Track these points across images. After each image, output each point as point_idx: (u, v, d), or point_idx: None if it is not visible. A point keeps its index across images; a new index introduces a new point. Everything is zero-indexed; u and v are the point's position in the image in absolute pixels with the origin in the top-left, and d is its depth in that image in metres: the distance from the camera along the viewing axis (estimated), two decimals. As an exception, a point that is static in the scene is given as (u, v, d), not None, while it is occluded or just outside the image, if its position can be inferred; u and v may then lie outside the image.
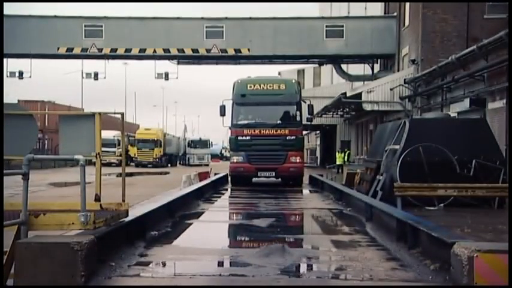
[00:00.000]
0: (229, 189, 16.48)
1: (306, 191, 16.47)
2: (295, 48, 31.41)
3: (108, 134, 43.32)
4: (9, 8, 32.20)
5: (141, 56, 32.80)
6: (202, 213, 10.82)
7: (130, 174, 31.33)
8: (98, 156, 6.07)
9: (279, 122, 16.78)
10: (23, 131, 6.05)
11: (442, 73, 21.79)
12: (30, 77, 33.52)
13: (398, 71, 29.02)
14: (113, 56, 32.79)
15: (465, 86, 19.63)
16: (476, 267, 4.55)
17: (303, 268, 5.90)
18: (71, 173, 31.20)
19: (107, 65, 35.40)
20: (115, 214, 6.04)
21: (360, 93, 27.11)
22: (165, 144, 52.59)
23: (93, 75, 36.67)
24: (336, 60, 32.98)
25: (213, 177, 18.63)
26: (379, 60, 33.66)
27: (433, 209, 12.06)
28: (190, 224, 9.21)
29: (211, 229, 9.48)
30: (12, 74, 33.05)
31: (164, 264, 6.00)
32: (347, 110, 35.19)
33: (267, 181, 17.77)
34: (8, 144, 5.80)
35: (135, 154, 50.35)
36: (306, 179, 18.69)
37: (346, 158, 36.48)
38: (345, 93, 28.10)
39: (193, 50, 31.83)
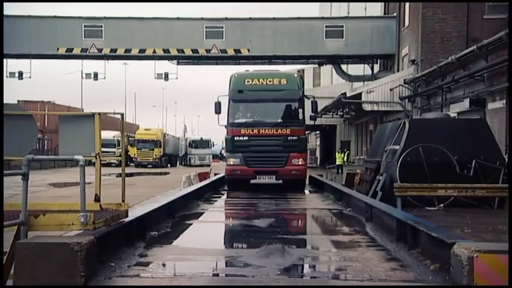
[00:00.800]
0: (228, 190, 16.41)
1: (305, 191, 16.44)
2: (295, 49, 31.41)
3: (108, 134, 43.34)
4: (9, 9, 32.22)
5: (141, 57, 32.79)
6: (202, 213, 10.81)
7: (130, 175, 31.33)
8: (97, 156, 6.06)
9: (279, 120, 15.38)
10: (23, 131, 6.05)
11: (442, 73, 21.79)
12: (30, 77, 33.52)
13: (398, 71, 29.01)
14: (113, 56, 32.79)
15: (465, 86, 19.63)
16: (476, 267, 4.55)
17: (303, 268, 5.90)
18: (70, 174, 31.20)
19: (107, 65, 35.40)
20: (115, 214, 6.04)
21: (360, 94, 27.11)
22: (164, 145, 52.59)
23: (92, 76, 36.67)
24: (336, 60, 32.98)
25: (213, 178, 18.64)
26: (379, 61, 33.65)
27: (433, 209, 12.06)
28: (190, 224, 9.20)
29: (211, 229, 9.48)
30: (11, 75, 33.04)
31: (164, 265, 6.00)
32: (347, 110, 35.19)
33: (266, 181, 17.63)
34: (8, 145, 5.79)
35: (134, 154, 50.35)
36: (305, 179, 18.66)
37: (346, 158, 36.48)
38: (345, 93, 28.10)
39: (193, 50, 31.83)
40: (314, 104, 15.75)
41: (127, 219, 6.38)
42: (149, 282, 5.24)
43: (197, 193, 12.70)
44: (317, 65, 39.79)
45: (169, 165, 53.80)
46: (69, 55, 32.32)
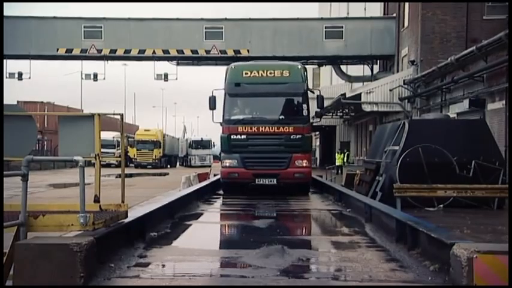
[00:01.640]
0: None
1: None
2: (294, 49, 31.40)
3: (108, 135, 43.36)
4: (8, 9, 32.22)
5: (141, 57, 32.81)
6: (202, 214, 10.81)
7: (130, 175, 31.32)
8: (97, 157, 6.07)
9: (281, 117, 13.94)
10: (22, 132, 6.05)
11: (442, 74, 21.80)
12: (30, 78, 33.53)
13: (397, 71, 29.03)
14: (112, 57, 32.80)
15: (464, 86, 19.64)
16: (476, 268, 4.55)
17: (303, 269, 5.90)
18: (70, 174, 31.20)
19: (106, 66, 35.45)
20: (114, 215, 6.04)
21: (360, 94, 27.12)
22: (164, 145, 52.58)
23: (92, 76, 36.69)
24: (336, 61, 32.99)
25: (212, 179, 18.63)
26: (378, 61, 33.67)
27: (432, 209, 12.06)
28: (190, 225, 9.20)
29: (210, 230, 9.47)
30: (11, 75, 33.05)
31: (163, 265, 6.00)
32: (346, 111, 35.21)
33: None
34: (7, 146, 5.79)
35: (134, 155, 50.35)
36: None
37: (345, 159, 36.49)
38: (345, 94, 28.10)
39: (192, 51, 31.83)
40: (320, 99, 14.23)
41: (126, 220, 6.38)
42: (149, 283, 5.23)
43: (197, 194, 12.69)
44: (316, 66, 39.78)
45: (168, 165, 53.79)
46: (68, 56, 32.33)
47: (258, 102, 14.11)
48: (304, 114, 13.95)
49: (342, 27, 31.52)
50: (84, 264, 4.79)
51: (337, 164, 35.69)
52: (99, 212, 5.99)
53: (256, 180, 13.84)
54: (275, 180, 13.76)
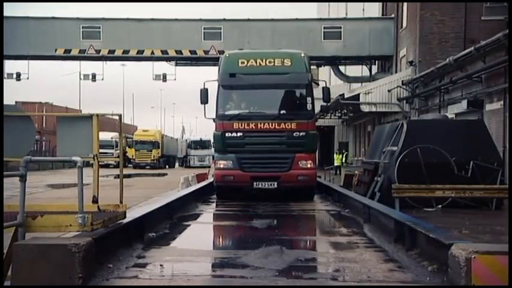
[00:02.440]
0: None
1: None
2: (293, 50, 31.38)
3: (106, 136, 43.35)
4: (7, 10, 32.17)
5: (139, 58, 32.79)
6: (200, 214, 10.80)
7: (128, 176, 31.31)
8: (95, 157, 6.06)
9: (282, 111, 12.55)
10: (21, 132, 6.04)
11: (440, 74, 21.83)
12: (28, 78, 33.52)
13: (396, 72, 29.07)
14: (111, 57, 32.78)
15: (463, 87, 19.67)
16: (474, 268, 4.55)
17: (301, 270, 5.89)
18: (68, 175, 31.16)
19: (105, 66, 35.45)
20: (113, 216, 6.03)
21: (358, 95, 27.14)
22: (163, 146, 52.57)
23: (91, 77, 36.71)
24: (334, 61, 33.01)
25: (211, 179, 18.61)
26: (377, 62, 33.70)
27: (431, 210, 12.07)
28: (188, 225, 9.20)
29: (209, 231, 9.47)
30: (9, 76, 33.03)
31: (162, 266, 5.99)
32: (345, 111, 35.23)
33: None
34: (6, 146, 5.79)
35: (133, 155, 50.34)
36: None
37: (344, 159, 36.51)
38: (343, 94, 28.11)
39: (191, 52, 31.83)
40: (326, 91, 12.97)
41: (125, 221, 6.38)
42: (147, 283, 5.23)
43: (195, 194, 12.68)
44: (315, 66, 39.77)
45: (167, 166, 53.78)
46: (67, 56, 32.32)
47: (256, 95, 12.72)
48: (308, 108, 12.54)
49: (341, 27, 31.55)
50: (82, 265, 4.78)
51: (335, 164, 35.71)
52: (98, 212, 5.99)
53: (254, 183, 12.43)
54: (275, 183, 12.37)
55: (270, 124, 12.32)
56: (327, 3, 47.45)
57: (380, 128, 18.29)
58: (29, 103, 47.63)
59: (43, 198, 15.85)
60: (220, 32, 31.66)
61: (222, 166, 12.55)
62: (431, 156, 12.69)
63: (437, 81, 22.30)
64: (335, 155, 37.91)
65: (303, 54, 12.93)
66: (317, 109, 13.44)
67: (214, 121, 12.71)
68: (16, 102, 38.66)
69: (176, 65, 34.05)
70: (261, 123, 12.33)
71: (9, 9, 33.49)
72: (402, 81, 25.99)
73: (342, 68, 34.16)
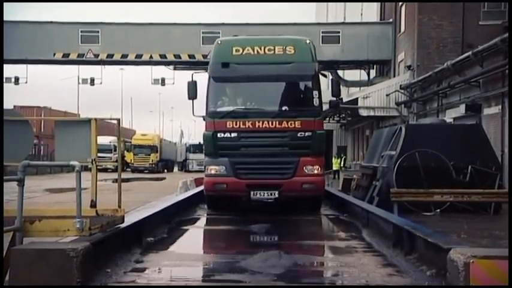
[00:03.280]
0: None
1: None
2: (291, 54, 31.42)
3: (104, 140, 43.27)
4: (6, 14, 32.20)
5: (138, 62, 32.81)
6: (199, 219, 10.80)
7: (127, 180, 31.26)
8: (93, 162, 6.06)
9: (285, 108, 10.83)
10: (19, 137, 6.04)
11: (438, 79, 21.87)
12: (26, 82, 33.50)
13: (394, 76, 29.11)
14: (109, 61, 32.80)
15: (461, 91, 19.71)
16: (473, 273, 4.56)
17: (299, 274, 5.89)
18: (66, 179, 31.06)
19: (103, 70, 35.45)
20: (111, 220, 6.03)
21: (356, 99, 27.17)
22: (161, 150, 52.52)
23: (89, 81, 36.67)
24: (332, 65, 33.06)
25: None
26: (375, 66, 33.75)
27: (429, 214, 12.06)
28: (187, 230, 9.19)
29: (207, 235, 9.46)
30: (8, 80, 33.01)
31: (160, 270, 5.99)
32: (343, 115, 35.27)
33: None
34: (4, 150, 5.78)
35: (131, 160, 50.28)
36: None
37: (342, 163, 36.52)
38: (341, 98, 28.11)
39: (189, 56, 31.85)
40: (335, 84, 11.45)
41: (123, 225, 6.37)
42: (145, 288, 5.22)
43: (194, 198, 12.67)
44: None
45: (165, 170, 53.68)
46: (65, 60, 32.31)
47: (253, 89, 11.08)
48: (315, 103, 10.78)
49: (339, 32, 31.61)
50: (80, 270, 4.78)
51: (334, 168, 35.71)
52: (96, 217, 5.98)
53: (252, 193, 10.69)
54: (276, 193, 10.68)
55: (270, 123, 10.62)
56: (325, 7, 47.57)
57: (378, 132, 18.29)
58: (27, 107, 47.60)
59: (41, 203, 15.82)
60: (219, 37, 31.65)
61: (213, 172, 10.77)
62: (430, 161, 12.70)
63: (435, 86, 22.34)
64: (333, 159, 37.91)
65: (308, 41, 11.28)
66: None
67: (204, 119, 11.10)
68: (14, 106, 38.66)
69: (175, 69, 34.08)
70: (259, 122, 10.65)
71: (8, 13, 33.53)
72: (400, 85, 26.03)
73: (340, 72, 34.21)
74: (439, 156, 12.65)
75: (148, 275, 5.68)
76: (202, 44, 31.61)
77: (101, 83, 36.12)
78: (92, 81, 36.37)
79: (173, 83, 35.10)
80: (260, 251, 6.46)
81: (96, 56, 31.70)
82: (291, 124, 10.59)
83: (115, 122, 7.21)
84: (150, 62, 32.54)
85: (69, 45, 31.36)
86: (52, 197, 19.90)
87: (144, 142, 50.67)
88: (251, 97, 11.13)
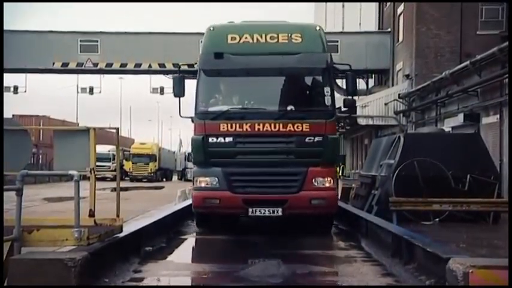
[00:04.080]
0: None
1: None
2: (290, 63, 31.49)
3: (103, 149, 43.16)
4: (5, 23, 32.31)
5: (137, 71, 32.88)
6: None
7: (125, 189, 31.18)
8: (92, 171, 6.05)
9: (290, 107, 9.19)
10: (17, 146, 6.04)
11: (436, 88, 21.94)
12: (25, 91, 33.55)
13: (392, 85, 29.19)
14: (109, 70, 32.87)
15: (459, 101, 19.76)
16: (472, 282, 4.54)
17: (298, 284, 5.87)
18: (65, 188, 30.99)
19: (102, 79, 35.55)
20: (109, 230, 6.01)
21: (355, 108, 27.21)
22: (160, 159, 52.45)
23: (88, 90, 36.81)
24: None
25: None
26: (373, 75, 33.85)
27: (428, 223, 12.04)
28: (185, 239, 9.16)
29: (206, 244, 9.42)
30: (6, 89, 33.07)
31: (158, 280, 5.96)
32: (342, 124, 35.32)
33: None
34: (2, 160, 5.77)
35: (130, 169, 50.18)
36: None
37: (341, 172, 36.52)
38: (340, 107, 28.13)
39: (188, 65, 31.88)
40: (350, 79, 9.87)
41: (121, 235, 6.35)
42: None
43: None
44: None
45: (164, 179, 53.59)
46: (65, 69, 32.37)
47: (252, 84, 9.39)
48: (326, 102, 9.19)
49: (337, 41, 31.69)
50: (78, 280, 4.75)
51: (332, 177, 35.65)
52: (94, 226, 5.96)
53: (250, 210, 8.91)
54: (280, 210, 8.88)
55: (272, 125, 8.87)
56: (323, 17, 47.81)
57: (377, 141, 18.31)
58: (26, 116, 47.55)
59: (39, 212, 15.75)
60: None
61: (203, 185, 8.97)
62: (428, 170, 12.69)
63: (434, 95, 22.40)
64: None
65: (318, 28, 9.59)
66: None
67: (192, 121, 9.45)
68: (13, 115, 38.59)
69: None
70: (259, 124, 8.88)
71: (8, 23, 33.61)
72: (399, 94, 26.10)
73: (338, 81, 34.23)
74: (438, 165, 12.65)
75: (146, 285, 5.65)
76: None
77: (100, 91, 36.23)
78: (91, 90, 36.48)
79: (172, 92, 35.15)
80: (259, 260, 6.44)
81: (95, 65, 31.75)
82: (297, 127, 8.87)
83: (114, 131, 7.21)
84: (149, 71, 32.60)
85: (68, 54, 31.43)
86: (50, 206, 19.83)
87: (143, 151, 50.62)
88: (249, 94, 9.38)
